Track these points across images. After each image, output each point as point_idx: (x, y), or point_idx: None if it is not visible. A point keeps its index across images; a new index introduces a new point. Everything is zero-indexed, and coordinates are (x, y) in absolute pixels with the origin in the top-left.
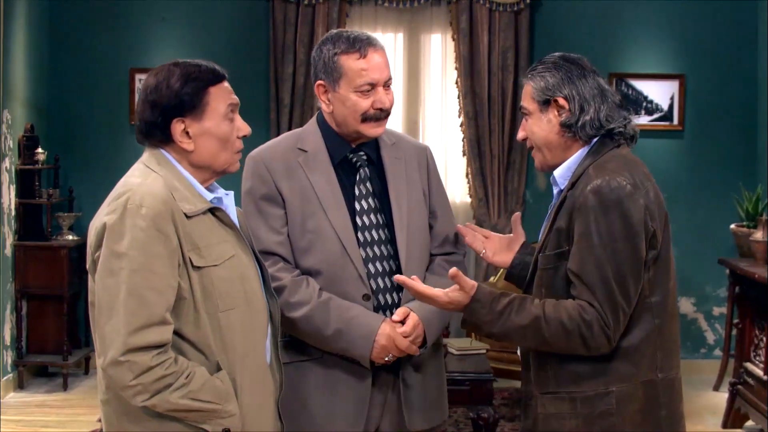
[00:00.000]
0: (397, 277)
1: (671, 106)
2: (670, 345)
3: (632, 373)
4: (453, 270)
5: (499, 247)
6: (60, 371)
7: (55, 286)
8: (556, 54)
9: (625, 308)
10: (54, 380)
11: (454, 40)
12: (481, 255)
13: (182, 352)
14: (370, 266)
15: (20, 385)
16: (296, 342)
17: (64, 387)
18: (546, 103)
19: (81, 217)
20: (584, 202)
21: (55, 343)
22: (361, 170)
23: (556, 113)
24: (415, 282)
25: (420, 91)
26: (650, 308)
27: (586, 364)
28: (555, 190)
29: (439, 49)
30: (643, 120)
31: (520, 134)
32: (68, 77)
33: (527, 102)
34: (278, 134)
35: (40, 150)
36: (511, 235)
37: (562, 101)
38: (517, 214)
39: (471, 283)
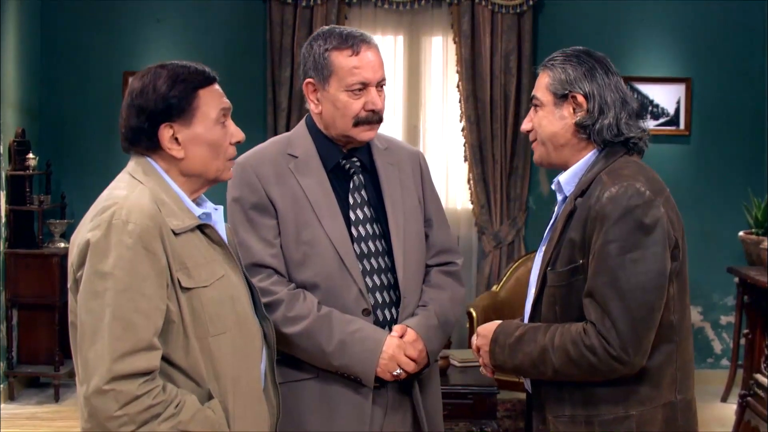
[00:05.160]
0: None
1: (677, 110)
2: (687, 364)
3: (653, 396)
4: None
5: None
6: (51, 382)
7: (47, 294)
8: (580, 47)
9: (648, 325)
10: (45, 391)
11: (455, 42)
12: None
13: (172, 379)
14: (368, 280)
15: (11, 397)
16: (289, 360)
17: (56, 398)
18: (563, 97)
19: (73, 224)
20: (601, 211)
21: (47, 353)
22: (355, 177)
23: (571, 110)
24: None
25: (420, 94)
26: (671, 327)
27: (605, 387)
28: (559, 197)
29: (440, 52)
30: (648, 124)
31: (526, 125)
32: (60, 80)
33: (541, 92)
34: None
35: (31, 155)
36: None
37: (580, 98)
38: None
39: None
